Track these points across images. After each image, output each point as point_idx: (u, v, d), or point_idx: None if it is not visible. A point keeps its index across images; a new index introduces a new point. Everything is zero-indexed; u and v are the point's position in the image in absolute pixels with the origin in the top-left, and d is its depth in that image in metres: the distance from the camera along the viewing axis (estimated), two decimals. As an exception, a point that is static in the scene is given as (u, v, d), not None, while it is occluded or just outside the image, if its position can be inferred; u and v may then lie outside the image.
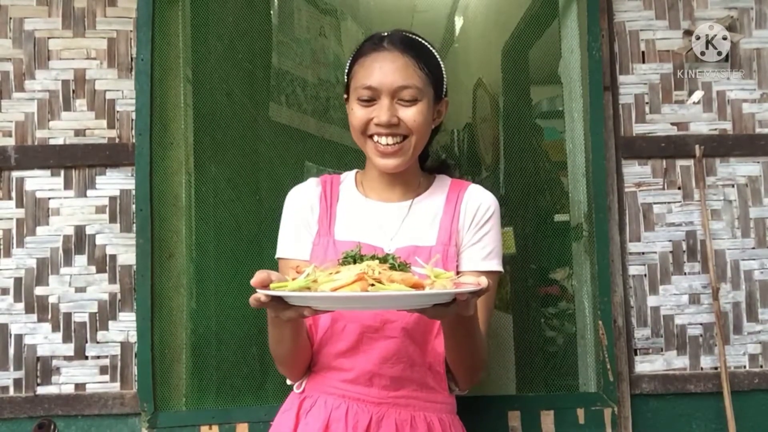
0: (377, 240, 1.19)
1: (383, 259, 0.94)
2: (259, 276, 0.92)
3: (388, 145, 1.15)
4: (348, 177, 1.31)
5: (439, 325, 1.17)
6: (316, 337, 1.21)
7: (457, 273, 1.18)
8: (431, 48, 1.22)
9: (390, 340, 1.15)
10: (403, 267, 0.94)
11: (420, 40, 1.21)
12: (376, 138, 1.16)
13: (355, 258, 0.95)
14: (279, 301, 0.91)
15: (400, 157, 1.17)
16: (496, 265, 1.22)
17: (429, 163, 1.33)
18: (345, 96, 1.25)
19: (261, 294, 0.89)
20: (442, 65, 1.23)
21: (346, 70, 1.23)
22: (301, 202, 1.26)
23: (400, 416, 1.16)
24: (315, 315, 0.93)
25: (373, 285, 0.88)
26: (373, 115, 1.15)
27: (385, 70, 1.14)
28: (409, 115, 1.15)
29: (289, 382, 1.24)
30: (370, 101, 1.16)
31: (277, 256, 1.26)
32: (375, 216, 1.23)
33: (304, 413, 1.17)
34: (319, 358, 1.20)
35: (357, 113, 1.17)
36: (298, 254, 1.23)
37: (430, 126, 1.21)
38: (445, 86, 1.24)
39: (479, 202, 1.23)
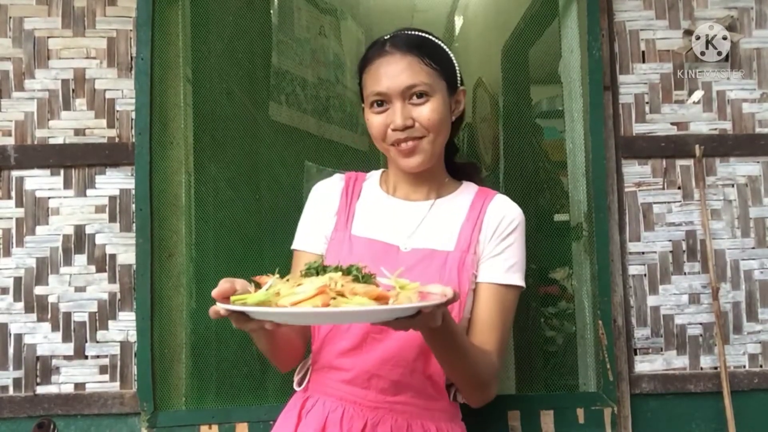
0: (394, 238, 1.19)
1: (347, 271, 0.93)
2: (221, 287, 0.91)
3: (407, 144, 1.15)
4: (373, 175, 1.32)
5: None
6: (318, 333, 1.20)
7: (476, 284, 1.17)
8: (437, 41, 1.21)
9: (393, 341, 1.13)
10: (368, 279, 0.92)
11: (423, 35, 1.20)
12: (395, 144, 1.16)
13: (318, 270, 0.94)
14: (241, 315, 0.89)
15: (419, 154, 1.16)
16: (518, 279, 1.19)
17: (457, 159, 1.33)
18: (363, 105, 1.24)
19: (220, 307, 0.88)
20: (451, 55, 1.21)
21: (357, 80, 1.24)
22: (322, 196, 1.27)
23: (396, 422, 1.13)
24: (278, 328, 0.91)
25: (334, 298, 0.86)
26: (389, 121, 1.15)
27: (390, 73, 1.14)
28: (423, 113, 1.14)
29: (296, 385, 1.24)
30: (382, 106, 1.16)
31: (293, 247, 1.28)
32: (394, 213, 1.22)
33: (306, 412, 1.17)
34: (321, 357, 1.19)
35: (373, 122, 1.17)
36: (310, 247, 1.24)
37: (448, 120, 1.20)
38: (458, 75, 1.22)
39: (503, 213, 1.21)
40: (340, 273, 0.92)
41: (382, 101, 1.15)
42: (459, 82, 1.23)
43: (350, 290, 0.87)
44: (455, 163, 1.33)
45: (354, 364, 1.15)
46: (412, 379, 1.14)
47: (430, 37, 1.21)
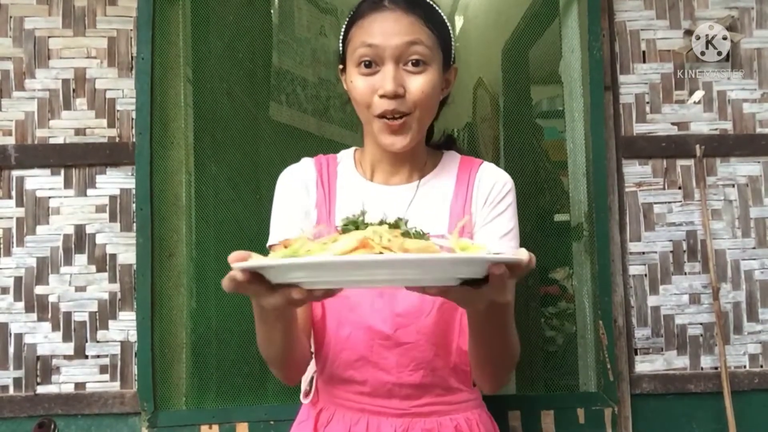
0: None
1: (394, 224, 0.75)
2: (236, 253, 0.73)
3: (394, 119, 1.01)
4: (346, 156, 1.17)
5: (461, 319, 1.05)
6: (320, 339, 1.10)
7: None
8: (438, 9, 1.07)
9: (405, 346, 1.04)
10: (419, 236, 0.75)
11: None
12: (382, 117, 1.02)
13: (357, 224, 0.77)
14: (261, 284, 0.72)
15: (407, 132, 1.02)
16: (514, 248, 1.06)
17: (433, 140, 1.21)
18: (341, 67, 1.10)
19: (236, 270, 0.70)
20: (450, 28, 1.08)
21: (341, 37, 1.08)
22: (296, 184, 1.12)
23: (425, 425, 1.05)
24: (307, 299, 0.73)
25: (381, 254, 0.68)
26: (377, 86, 1.00)
27: (387, 28, 0.99)
28: (417, 85, 1.00)
29: (303, 398, 1.15)
30: (371, 68, 1.00)
31: (269, 243, 1.11)
32: (378, 201, 1.09)
33: (322, 427, 1.08)
34: (326, 368, 1.09)
35: (358, 85, 1.02)
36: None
37: (438, 97, 1.06)
38: (453, 52, 1.09)
39: (494, 180, 1.10)
40: (386, 226, 0.73)
41: (371, 61, 1.00)
42: (453, 59, 1.10)
43: (399, 246, 0.69)
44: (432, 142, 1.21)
45: (367, 375, 1.05)
46: (435, 378, 1.05)
47: (433, 3, 1.07)
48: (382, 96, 1.00)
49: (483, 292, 0.74)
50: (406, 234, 0.74)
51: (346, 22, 1.07)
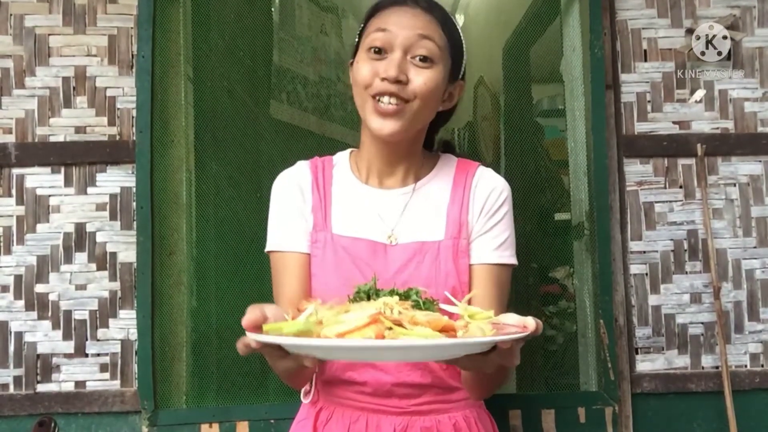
0: (377, 234, 1.08)
1: (405, 295, 0.81)
2: (250, 314, 0.77)
3: (389, 104, 1.01)
4: (341, 158, 1.18)
5: None
6: None
7: (469, 266, 1.09)
8: (456, 22, 1.10)
9: None
10: (429, 305, 0.80)
11: (446, 9, 1.09)
12: (378, 98, 1.03)
13: (369, 293, 0.82)
14: (274, 348, 0.76)
15: (398, 119, 1.02)
16: (509, 257, 1.10)
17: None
18: (351, 61, 1.11)
19: (251, 340, 0.74)
20: (464, 43, 1.11)
21: (359, 31, 1.10)
22: (292, 189, 1.13)
23: (424, 423, 1.07)
24: (320, 363, 0.80)
25: (391, 329, 0.72)
26: (381, 70, 1.01)
27: (403, 19, 1.02)
28: (420, 78, 1.02)
29: (303, 397, 1.17)
30: (380, 54, 1.02)
31: (267, 249, 1.13)
32: (374, 205, 1.11)
33: (321, 425, 1.10)
34: (326, 368, 1.10)
35: (362, 67, 1.03)
36: (294, 245, 1.10)
37: (438, 99, 1.07)
38: (463, 67, 1.11)
39: (491, 186, 1.12)
40: (396, 297, 0.79)
41: (381, 48, 1.02)
42: (462, 74, 1.13)
43: (410, 319, 0.74)
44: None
45: (366, 377, 1.07)
46: (433, 378, 1.08)
47: (451, 16, 1.11)
48: (383, 79, 1.01)
49: (491, 359, 0.79)
50: (416, 305, 0.80)
51: (367, 14, 1.10)
